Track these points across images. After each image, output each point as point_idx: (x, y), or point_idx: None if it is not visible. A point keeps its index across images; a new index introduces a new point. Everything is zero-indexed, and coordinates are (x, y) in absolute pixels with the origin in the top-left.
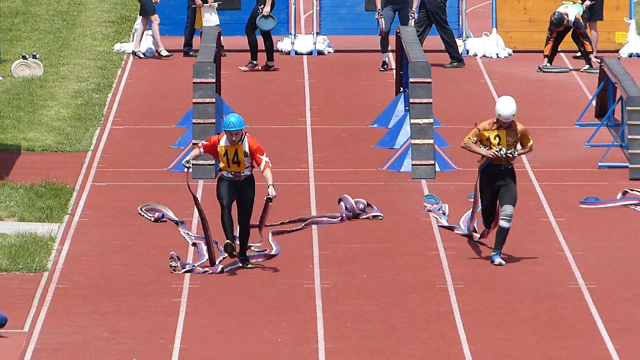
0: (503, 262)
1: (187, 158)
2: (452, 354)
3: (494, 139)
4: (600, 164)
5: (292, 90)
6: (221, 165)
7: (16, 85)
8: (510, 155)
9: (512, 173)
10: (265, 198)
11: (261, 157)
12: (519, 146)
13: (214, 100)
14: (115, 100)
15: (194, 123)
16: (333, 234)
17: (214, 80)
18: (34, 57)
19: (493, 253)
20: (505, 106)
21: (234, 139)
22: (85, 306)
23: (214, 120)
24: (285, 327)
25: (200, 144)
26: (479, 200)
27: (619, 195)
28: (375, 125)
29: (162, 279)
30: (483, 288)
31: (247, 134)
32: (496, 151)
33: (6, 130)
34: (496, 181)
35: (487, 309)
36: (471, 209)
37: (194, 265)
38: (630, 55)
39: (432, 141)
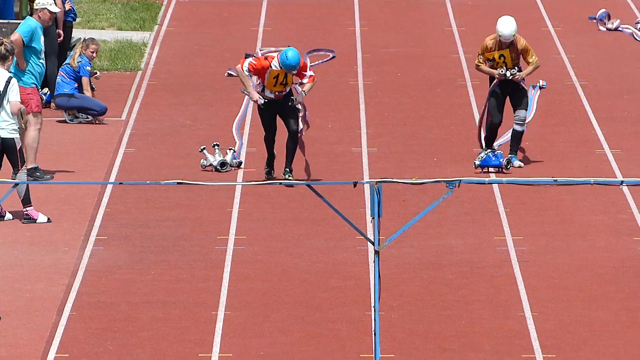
0: (522, 164)
1: (254, 95)
2: (469, 137)
3: (499, 58)
4: None
5: None
6: (265, 83)
7: None
8: (512, 76)
9: (522, 88)
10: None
11: (305, 72)
12: (522, 70)
13: None
14: None
15: None
16: (373, 40)
17: None
18: None
19: (510, 156)
20: (505, 26)
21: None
22: (171, 99)
23: None
24: (334, 116)
25: (248, 61)
26: (489, 113)
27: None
28: None
29: (235, 78)
30: None
31: None
32: (500, 73)
33: None
34: (505, 90)
35: None
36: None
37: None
38: None
39: None
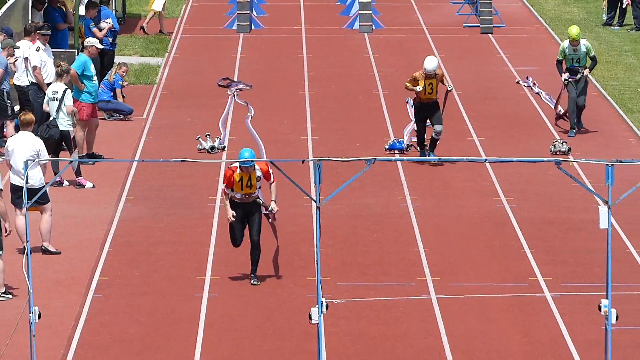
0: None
1: (228, 213)
2: (381, 130)
3: (428, 86)
4: (464, 24)
5: None
6: (235, 188)
7: None
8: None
9: (437, 104)
10: (266, 211)
11: (269, 175)
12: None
13: None
14: None
15: None
16: (316, 63)
17: None
18: None
19: (429, 152)
20: (429, 63)
21: (248, 167)
22: (177, 103)
23: None
24: (288, 115)
25: (223, 189)
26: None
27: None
28: (339, 3)
29: (222, 90)
30: (401, 94)
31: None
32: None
33: (134, 5)
34: (425, 111)
35: (404, 107)
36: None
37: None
38: None
39: (370, 12)
